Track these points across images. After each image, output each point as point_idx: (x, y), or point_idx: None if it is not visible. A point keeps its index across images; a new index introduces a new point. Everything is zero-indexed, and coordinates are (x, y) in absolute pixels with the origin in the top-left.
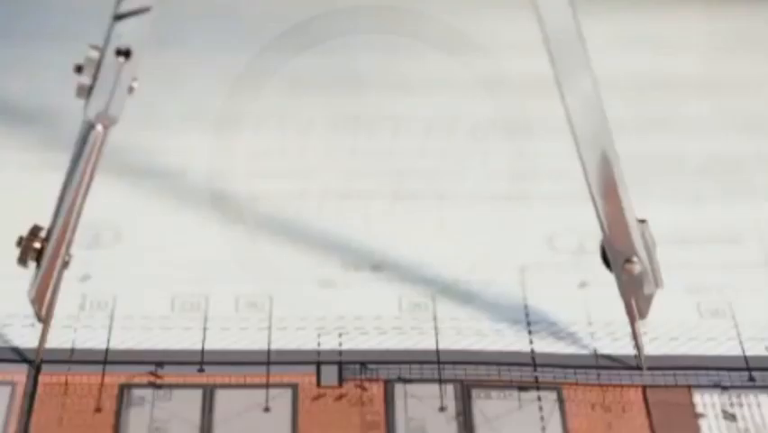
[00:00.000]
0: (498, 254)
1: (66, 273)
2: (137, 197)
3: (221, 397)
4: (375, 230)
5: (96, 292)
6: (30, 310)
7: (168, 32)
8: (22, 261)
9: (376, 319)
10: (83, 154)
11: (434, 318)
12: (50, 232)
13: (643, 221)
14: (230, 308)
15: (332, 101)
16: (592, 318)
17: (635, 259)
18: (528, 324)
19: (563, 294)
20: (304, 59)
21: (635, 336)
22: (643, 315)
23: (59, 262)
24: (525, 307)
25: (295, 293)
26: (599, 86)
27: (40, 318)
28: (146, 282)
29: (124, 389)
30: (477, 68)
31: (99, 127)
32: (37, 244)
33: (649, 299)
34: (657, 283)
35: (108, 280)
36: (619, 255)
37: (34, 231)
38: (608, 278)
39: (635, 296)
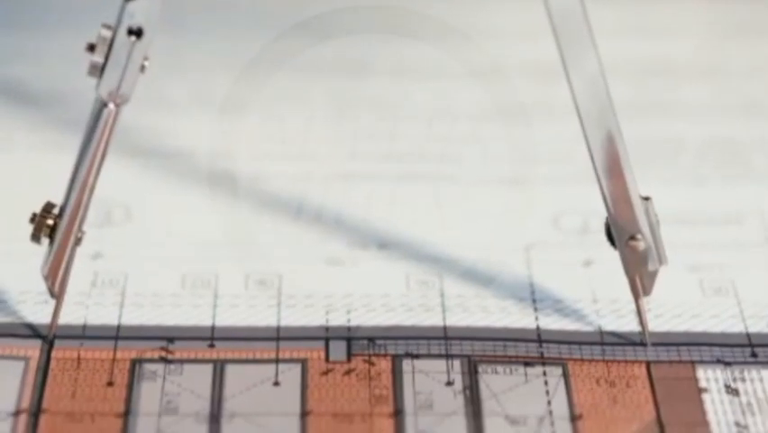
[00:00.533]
0: (505, 234)
1: (78, 251)
2: (148, 176)
3: (231, 371)
4: (383, 210)
5: (108, 270)
6: (43, 287)
7: (180, 17)
8: (36, 237)
9: (384, 297)
10: (95, 132)
11: (442, 296)
12: (62, 209)
13: (647, 198)
14: (239, 285)
15: (338, 85)
16: (597, 296)
17: (639, 236)
18: (534, 301)
19: (569, 272)
20: (309, 44)
21: (639, 312)
22: (647, 291)
23: (71, 239)
24: (531, 285)
25: (303, 271)
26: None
27: (52, 294)
28: (157, 260)
29: (136, 363)
30: (481, 54)
31: (111, 105)
32: (50, 221)
33: (653, 275)
34: (661, 260)
35: (119, 258)
36: (623, 233)
37: (47, 208)
38: (613, 256)
39: (639, 273)
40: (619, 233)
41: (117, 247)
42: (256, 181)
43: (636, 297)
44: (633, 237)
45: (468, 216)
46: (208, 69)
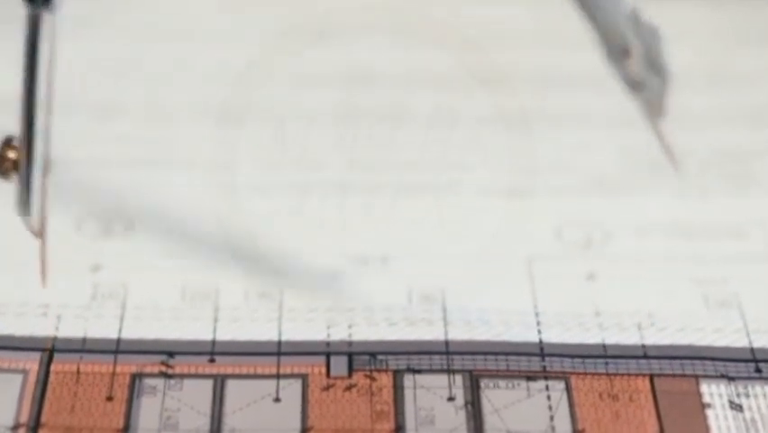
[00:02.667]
0: (507, 246)
1: (77, 262)
2: (148, 187)
3: (231, 387)
4: (384, 223)
5: (108, 282)
6: (43, 299)
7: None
8: (3, 174)
9: (385, 311)
10: (35, 47)
11: (444, 310)
12: (21, 138)
13: (635, 8)
14: (240, 299)
15: (338, 92)
16: (600, 309)
17: (632, 49)
18: (536, 315)
19: (571, 285)
20: (308, 51)
21: (658, 137)
22: (659, 112)
23: (36, 167)
24: (534, 298)
25: (305, 285)
26: (602, 81)
27: (34, 233)
28: (157, 273)
29: (136, 378)
30: (480, 62)
31: (44, 14)
32: (11, 154)
33: (660, 93)
34: (663, 74)
35: (119, 271)
36: (616, 51)
37: (7, 141)
38: (617, 270)
39: (646, 94)
40: (612, 53)
41: (117, 260)
42: (256, 192)
43: (652, 120)
44: (626, 51)
45: (470, 229)
46: (210, 78)
